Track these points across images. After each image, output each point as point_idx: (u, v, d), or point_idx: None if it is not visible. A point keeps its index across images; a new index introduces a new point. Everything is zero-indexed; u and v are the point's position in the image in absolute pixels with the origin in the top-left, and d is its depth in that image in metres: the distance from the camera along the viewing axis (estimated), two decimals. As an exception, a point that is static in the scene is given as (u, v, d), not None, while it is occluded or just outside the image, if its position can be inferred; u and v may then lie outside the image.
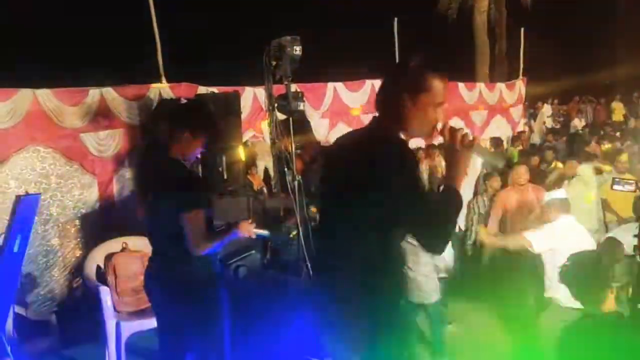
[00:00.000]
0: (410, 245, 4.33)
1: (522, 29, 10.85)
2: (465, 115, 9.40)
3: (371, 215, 1.71)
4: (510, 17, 15.37)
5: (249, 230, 2.70)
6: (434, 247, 1.79)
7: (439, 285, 4.30)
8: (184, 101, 4.99)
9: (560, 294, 3.65)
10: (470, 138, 1.84)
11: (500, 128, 9.97)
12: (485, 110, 9.74)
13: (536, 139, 10.76)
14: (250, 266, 4.08)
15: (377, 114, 1.90)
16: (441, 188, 1.82)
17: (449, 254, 4.41)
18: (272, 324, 3.66)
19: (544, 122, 12.39)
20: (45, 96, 5.00)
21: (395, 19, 8.55)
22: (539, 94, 13.10)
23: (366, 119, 7.58)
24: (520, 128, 10.54)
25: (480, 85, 9.96)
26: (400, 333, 1.84)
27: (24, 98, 4.90)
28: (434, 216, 1.70)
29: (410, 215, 1.70)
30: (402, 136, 1.84)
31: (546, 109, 12.93)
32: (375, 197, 1.68)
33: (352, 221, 1.75)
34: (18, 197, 2.66)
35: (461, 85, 9.36)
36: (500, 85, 10.33)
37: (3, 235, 2.84)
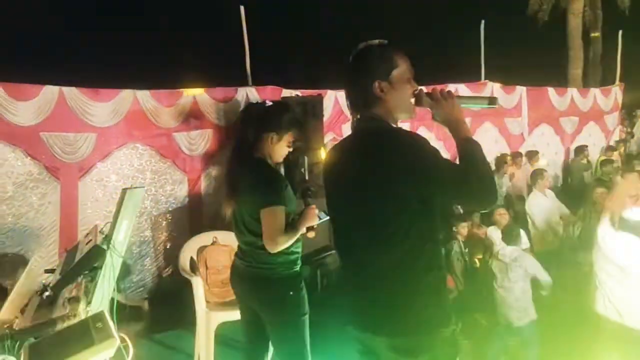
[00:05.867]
0: (501, 263, 4.15)
1: (620, 32, 10.17)
2: (555, 122, 8.95)
3: (412, 208, 1.66)
4: (606, 20, 14.47)
5: (314, 215, 2.63)
6: (484, 199, 1.68)
7: (532, 305, 4.07)
8: (269, 103, 5.14)
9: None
10: (447, 90, 1.81)
11: (593, 136, 9.38)
12: (577, 117, 9.23)
13: (633, 148, 10.03)
14: (330, 265, 4.15)
15: (359, 116, 1.82)
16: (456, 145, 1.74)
17: (544, 272, 4.16)
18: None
19: (642, 131, 11.53)
20: (145, 97, 5.36)
21: (482, 21, 8.30)
22: (638, 101, 12.21)
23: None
24: (615, 136, 9.87)
25: (572, 91, 9.42)
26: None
27: (125, 98, 5.29)
28: (467, 173, 1.63)
29: (447, 186, 1.64)
30: (392, 124, 1.79)
31: (645, 117, 12.00)
32: (412, 190, 1.63)
33: (390, 222, 1.68)
34: (124, 190, 2.84)
35: (551, 90, 8.91)
36: (595, 91, 9.72)
37: (110, 224, 3.02)
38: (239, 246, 2.74)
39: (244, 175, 2.63)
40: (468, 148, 1.70)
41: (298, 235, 2.57)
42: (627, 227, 3.34)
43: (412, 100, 1.81)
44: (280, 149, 2.67)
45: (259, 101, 5.67)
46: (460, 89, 7.70)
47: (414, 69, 1.81)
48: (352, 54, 1.82)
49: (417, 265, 1.70)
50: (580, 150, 8.59)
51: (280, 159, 2.74)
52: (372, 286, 1.75)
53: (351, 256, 1.84)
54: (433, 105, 1.79)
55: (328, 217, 2.92)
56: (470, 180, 1.63)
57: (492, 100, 1.88)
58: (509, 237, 4.23)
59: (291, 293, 2.59)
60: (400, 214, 1.67)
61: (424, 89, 1.84)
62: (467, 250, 5.08)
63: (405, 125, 7.03)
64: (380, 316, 1.73)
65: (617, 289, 3.37)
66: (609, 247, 3.40)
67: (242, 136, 2.72)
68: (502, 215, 4.98)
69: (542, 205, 5.68)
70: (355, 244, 1.79)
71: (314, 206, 2.67)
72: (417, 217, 1.68)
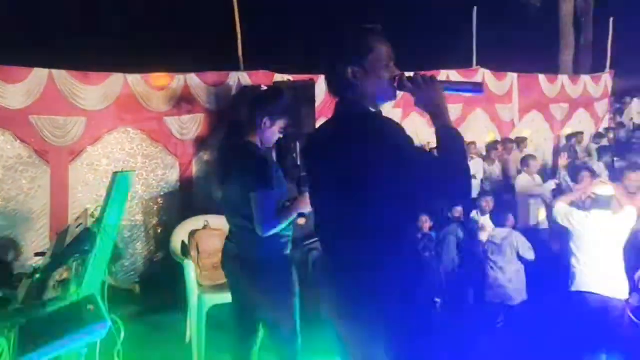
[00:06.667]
0: (493, 245, 4.24)
1: (611, 19, 10.19)
2: (545, 109, 8.99)
3: (381, 196, 1.61)
4: (598, 6, 14.46)
5: (306, 204, 2.61)
6: (457, 193, 1.67)
7: (524, 286, 4.15)
8: (264, 88, 5.14)
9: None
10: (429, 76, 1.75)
11: (583, 123, 9.44)
12: (567, 104, 9.28)
13: (623, 135, 10.10)
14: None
15: (337, 100, 1.80)
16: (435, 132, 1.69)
17: (530, 250, 4.24)
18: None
19: (632, 118, 11.59)
20: (135, 80, 5.32)
21: (475, 7, 8.29)
22: (628, 88, 12.28)
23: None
24: (605, 124, 9.95)
25: (563, 78, 9.46)
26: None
27: (116, 82, 5.25)
28: (442, 165, 1.60)
29: (420, 177, 1.59)
30: (371, 109, 1.74)
31: (635, 105, 12.07)
32: (380, 177, 1.59)
33: (358, 210, 1.65)
34: (115, 174, 2.84)
35: (542, 77, 8.94)
36: (585, 78, 9.77)
37: (100, 208, 3.03)
38: (230, 229, 2.76)
39: (235, 158, 2.65)
40: (447, 137, 1.66)
41: (288, 220, 2.60)
42: (597, 204, 3.58)
43: (395, 84, 1.75)
44: (272, 134, 2.68)
45: (253, 85, 5.65)
46: (452, 75, 7.70)
47: (394, 52, 1.76)
48: (328, 39, 1.79)
49: (388, 255, 1.65)
50: (570, 137, 8.65)
51: (271, 144, 2.76)
52: (345, 275, 1.71)
53: (327, 243, 1.82)
54: (414, 91, 1.73)
55: None
56: (445, 172, 1.59)
57: (476, 86, 1.82)
58: (498, 219, 4.35)
59: (282, 276, 2.61)
60: (371, 203, 1.63)
61: (406, 73, 1.80)
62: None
63: (396, 112, 7.06)
64: (347, 304, 1.70)
65: (590, 264, 3.57)
66: (582, 226, 3.61)
67: (234, 119, 2.74)
68: (488, 203, 5.05)
69: (529, 187, 5.82)
70: (329, 231, 1.77)
71: (307, 194, 2.70)
72: (389, 207, 1.63)
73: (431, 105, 1.72)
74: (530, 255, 4.17)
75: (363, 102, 1.73)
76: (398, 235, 1.70)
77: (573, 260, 3.65)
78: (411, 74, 1.80)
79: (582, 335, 3.51)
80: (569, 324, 3.64)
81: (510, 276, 4.15)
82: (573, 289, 3.64)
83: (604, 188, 3.60)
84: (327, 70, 1.80)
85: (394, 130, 1.64)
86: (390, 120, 1.70)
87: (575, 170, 5.49)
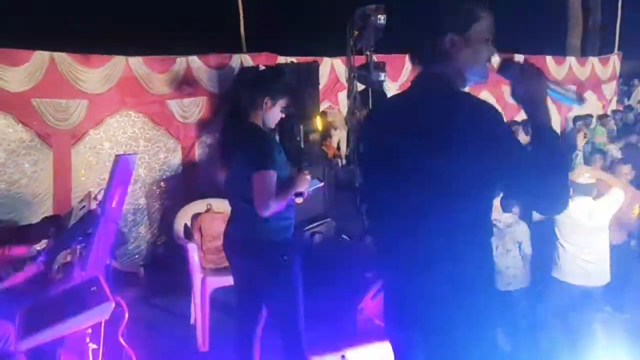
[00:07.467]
0: (496, 229, 4.19)
1: (620, 0, 10.05)
2: (552, 91, 8.88)
3: (458, 185, 1.39)
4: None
5: (305, 181, 2.65)
6: (550, 202, 1.44)
7: (526, 272, 4.13)
8: (263, 68, 5.09)
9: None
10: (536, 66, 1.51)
11: (591, 105, 9.34)
12: (574, 85, 9.16)
13: (630, 117, 10.01)
14: (325, 233, 4.18)
15: (420, 72, 1.57)
16: (531, 134, 1.46)
17: (529, 243, 4.21)
18: (344, 289, 3.75)
19: (639, 101, 11.47)
20: (137, 63, 5.27)
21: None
22: (636, 70, 12.13)
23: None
24: (612, 106, 9.84)
25: (571, 60, 9.34)
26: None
27: (117, 64, 5.20)
28: (536, 168, 1.37)
29: (509, 174, 1.38)
30: (460, 87, 1.53)
31: (643, 87, 11.94)
32: (466, 163, 1.36)
33: (437, 198, 1.42)
34: (117, 156, 2.83)
35: (549, 58, 8.81)
36: (593, 60, 9.64)
37: (103, 191, 3.02)
38: (231, 212, 2.74)
39: (237, 140, 2.62)
40: (547, 140, 1.43)
41: (288, 200, 2.57)
42: (578, 191, 3.75)
43: (489, 65, 1.56)
44: (273, 114, 2.66)
45: (254, 65, 5.60)
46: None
47: (494, 29, 1.53)
48: (427, 3, 1.55)
49: (463, 255, 1.45)
50: (577, 120, 8.55)
51: (274, 125, 2.74)
52: (409, 276, 1.52)
53: (387, 237, 1.59)
54: (517, 79, 1.50)
55: (320, 184, 2.95)
56: (541, 174, 1.38)
57: (580, 98, 1.63)
58: (505, 204, 4.30)
59: (285, 257, 2.59)
60: (451, 195, 1.41)
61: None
62: None
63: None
64: (415, 308, 1.51)
65: (572, 250, 3.73)
66: (567, 211, 3.66)
67: (236, 101, 2.72)
68: None
69: None
70: (393, 224, 1.54)
71: (306, 172, 2.69)
72: (470, 203, 1.43)
73: (532, 100, 1.48)
74: (527, 247, 4.17)
75: (453, 78, 1.52)
76: (482, 237, 1.51)
77: (557, 245, 3.81)
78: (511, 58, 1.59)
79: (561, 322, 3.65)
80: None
81: (508, 263, 4.12)
82: (554, 275, 3.81)
83: (584, 177, 3.83)
84: (418, 38, 1.57)
85: (494, 115, 1.41)
86: (487, 102, 1.47)
87: (589, 154, 5.46)
